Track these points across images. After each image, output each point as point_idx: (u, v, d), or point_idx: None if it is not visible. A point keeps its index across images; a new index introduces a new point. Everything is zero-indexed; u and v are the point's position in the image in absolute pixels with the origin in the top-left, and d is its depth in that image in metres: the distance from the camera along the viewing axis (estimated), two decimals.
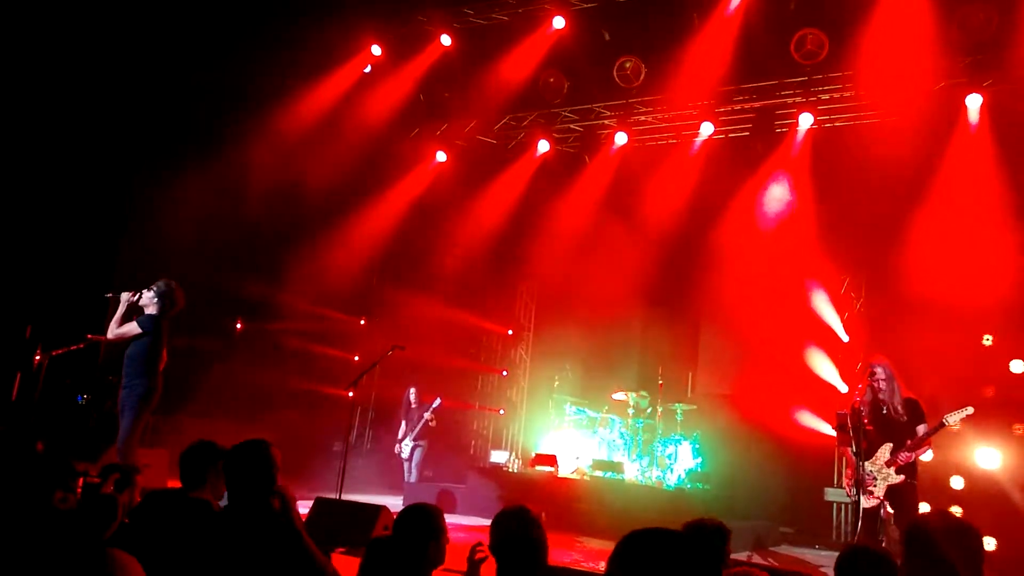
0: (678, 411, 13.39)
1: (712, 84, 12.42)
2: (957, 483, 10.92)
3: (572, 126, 14.57)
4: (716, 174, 13.42)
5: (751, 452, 13.03)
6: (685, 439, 13.18)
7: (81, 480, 4.51)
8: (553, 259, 14.90)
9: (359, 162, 14.36)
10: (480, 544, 4.20)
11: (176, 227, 12.65)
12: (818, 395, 12.46)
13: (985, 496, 10.70)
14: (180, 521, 4.23)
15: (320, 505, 8.53)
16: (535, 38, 13.26)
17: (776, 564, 9.62)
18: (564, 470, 13.09)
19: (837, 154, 12.47)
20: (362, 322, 17.34)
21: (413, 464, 13.57)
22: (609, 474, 12.67)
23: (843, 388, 12.35)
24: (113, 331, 8.74)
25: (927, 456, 7.89)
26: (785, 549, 11.27)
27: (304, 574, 3.82)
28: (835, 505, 12.36)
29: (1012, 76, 11.10)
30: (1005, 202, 10.87)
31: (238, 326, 16.37)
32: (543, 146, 14.83)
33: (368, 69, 14.62)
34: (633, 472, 12.92)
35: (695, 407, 13.57)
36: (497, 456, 15.01)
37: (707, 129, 13.47)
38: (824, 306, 12.97)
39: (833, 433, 11.73)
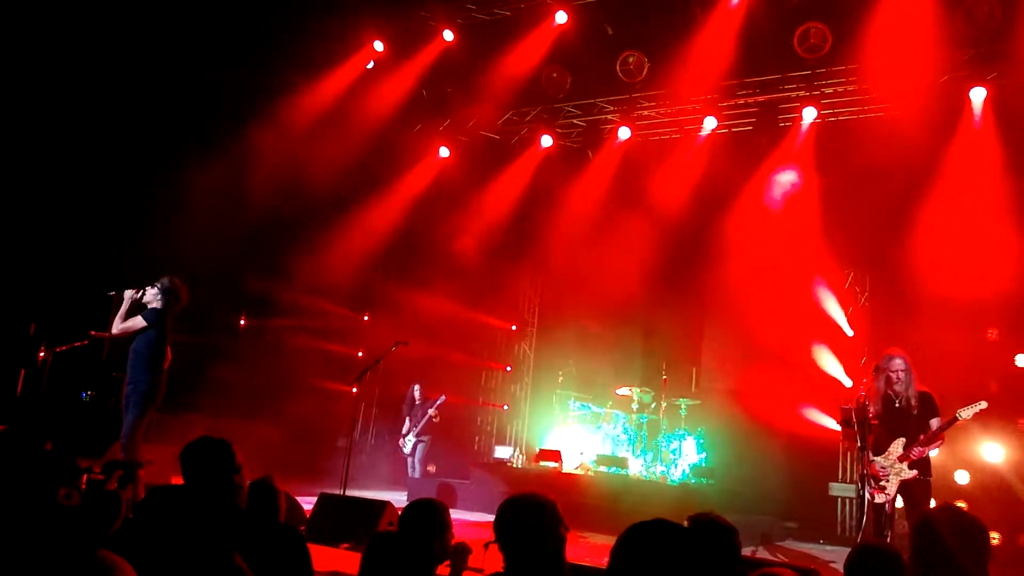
0: (682, 406, 13.39)
1: (715, 78, 12.39)
2: (962, 478, 10.90)
3: (575, 121, 14.55)
4: (720, 168, 13.39)
5: (755, 447, 13.01)
6: (689, 434, 13.18)
7: (85, 477, 4.51)
8: (557, 254, 14.89)
9: (362, 158, 14.35)
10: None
11: (180, 224, 12.64)
12: (822, 390, 12.43)
13: (990, 490, 10.68)
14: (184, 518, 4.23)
15: (324, 501, 8.52)
16: (538, 33, 13.23)
17: (783, 560, 9.61)
18: (568, 466, 13.09)
19: (841, 148, 12.44)
20: (365, 318, 17.34)
21: (416, 460, 13.57)
22: (613, 469, 12.67)
23: (848, 383, 12.32)
24: (118, 326, 8.73)
25: (934, 451, 7.81)
26: (790, 544, 11.25)
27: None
28: (839, 500, 12.33)
29: (1016, 69, 11.05)
30: (1009, 195, 10.83)
31: (242, 322, 16.38)
32: (546, 141, 14.82)
33: (371, 65, 14.60)
34: (637, 467, 12.92)
35: (699, 402, 13.57)
36: (501, 452, 15.01)
37: (710, 124, 13.44)
38: (828, 301, 12.94)
39: (838, 428, 11.79)
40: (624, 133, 14.08)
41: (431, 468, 14.05)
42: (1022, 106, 11.21)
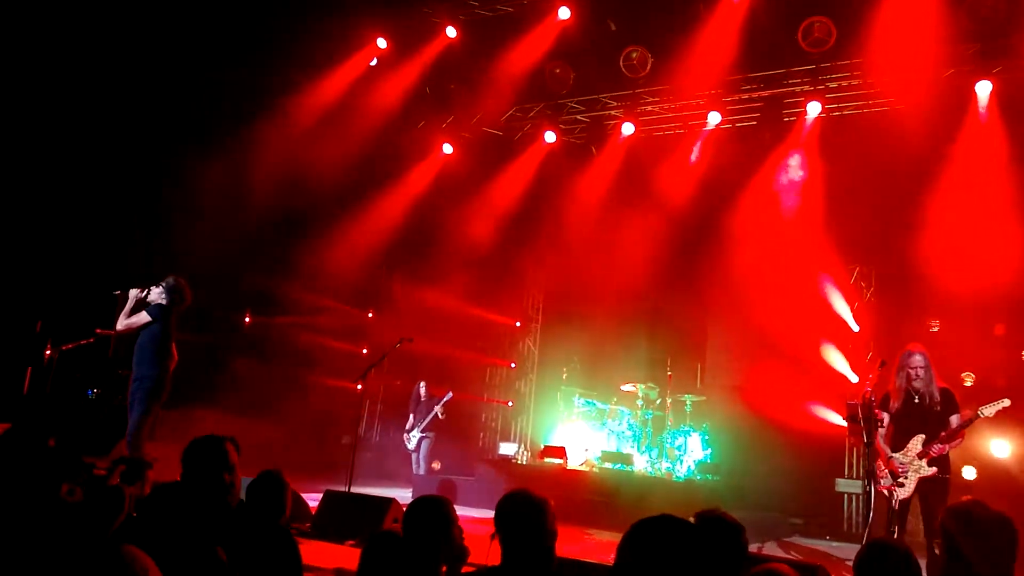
0: (687, 402, 13.39)
1: (719, 73, 12.36)
2: (969, 473, 10.88)
3: (579, 117, 14.54)
4: (725, 164, 13.37)
5: (761, 443, 12.98)
6: (694, 430, 13.17)
7: (89, 472, 4.52)
8: (561, 250, 14.88)
9: (366, 155, 14.34)
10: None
11: (185, 222, 12.65)
12: (828, 386, 12.41)
13: (997, 486, 10.65)
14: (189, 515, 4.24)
15: (329, 498, 8.53)
16: (541, 29, 13.21)
17: (792, 556, 9.59)
18: (573, 462, 13.09)
19: (846, 143, 12.40)
20: (370, 315, 17.35)
21: (421, 456, 13.57)
22: (618, 466, 12.66)
23: (853, 378, 12.30)
24: (122, 322, 8.79)
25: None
26: (796, 540, 11.23)
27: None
28: (846, 496, 12.32)
29: (1021, 63, 11.03)
30: (1015, 189, 10.80)
31: (247, 320, 16.40)
32: (550, 137, 14.80)
33: (374, 62, 14.59)
34: (642, 464, 12.93)
35: (704, 398, 13.57)
36: (506, 448, 15.02)
37: (714, 119, 13.41)
38: (834, 296, 12.91)
39: (844, 424, 11.76)
40: (628, 129, 14.06)
41: (436, 465, 14.06)
42: None
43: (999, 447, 10.87)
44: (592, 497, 11.39)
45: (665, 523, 2.46)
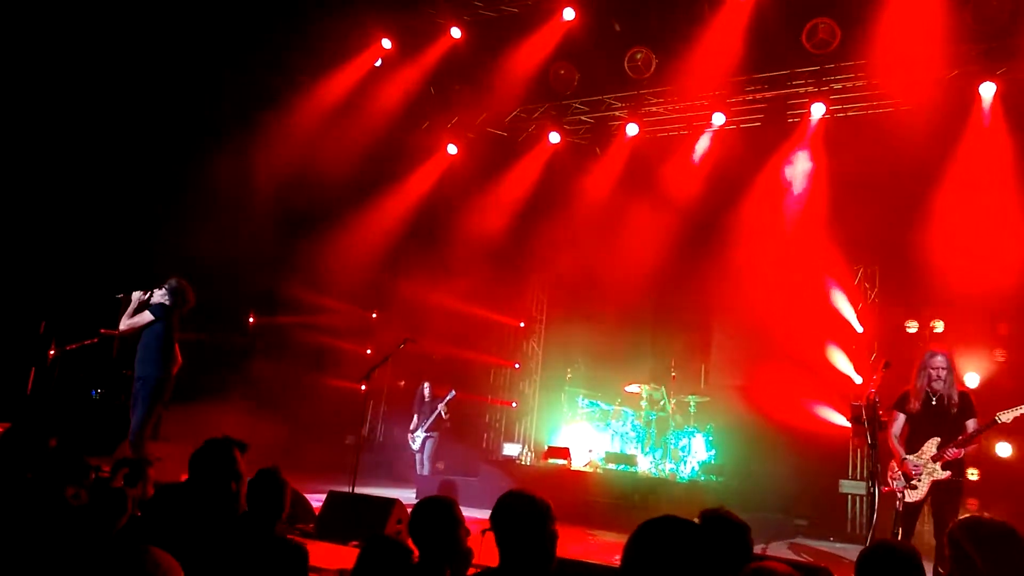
0: (691, 403, 13.38)
1: (723, 74, 12.34)
2: (971, 474, 10.86)
3: (583, 118, 14.53)
4: (729, 165, 13.36)
5: (765, 444, 12.97)
6: (698, 431, 13.17)
7: (93, 475, 4.52)
8: (565, 251, 14.86)
9: (370, 155, 14.36)
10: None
11: (189, 223, 12.66)
12: (832, 386, 12.40)
13: (1000, 487, 10.64)
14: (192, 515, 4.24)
15: (333, 499, 8.53)
16: (545, 30, 13.20)
17: (795, 557, 9.58)
18: (577, 463, 13.10)
19: (850, 144, 12.39)
20: (374, 315, 17.36)
21: (425, 456, 13.58)
22: (622, 467, 12.66)
23: (857, 379, 12.30)
24: (125, 322, 8.82)
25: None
26: (800, 541, 11.22)
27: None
28: (850, 497, 12.32)
29: None
30: (1019, 190, 10.78)
31: (251, 320, 16.41)
32: (554, 138, 14.80)
33: (379, 63, 14.60)
34: (646, 465, 12.92)
35: (708, 399, 13.55)
36: (510, 449, 15.02)
37: (719, 119, 13.40)
38: (838, 297, 12.91)
39: (847, 424, 11.75)
40: (632, 129, 14.05)
41: (439, 465, 14.06)
42: None
43: (1001, 448, 10.86)
44: (596, 498, 11.39)
45: (671, 524, 2.47)
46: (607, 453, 13.10)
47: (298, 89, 14.10)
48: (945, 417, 7.37)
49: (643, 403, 13.48)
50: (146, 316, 8.74)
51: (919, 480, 7.33)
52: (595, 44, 13.15)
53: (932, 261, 11.00)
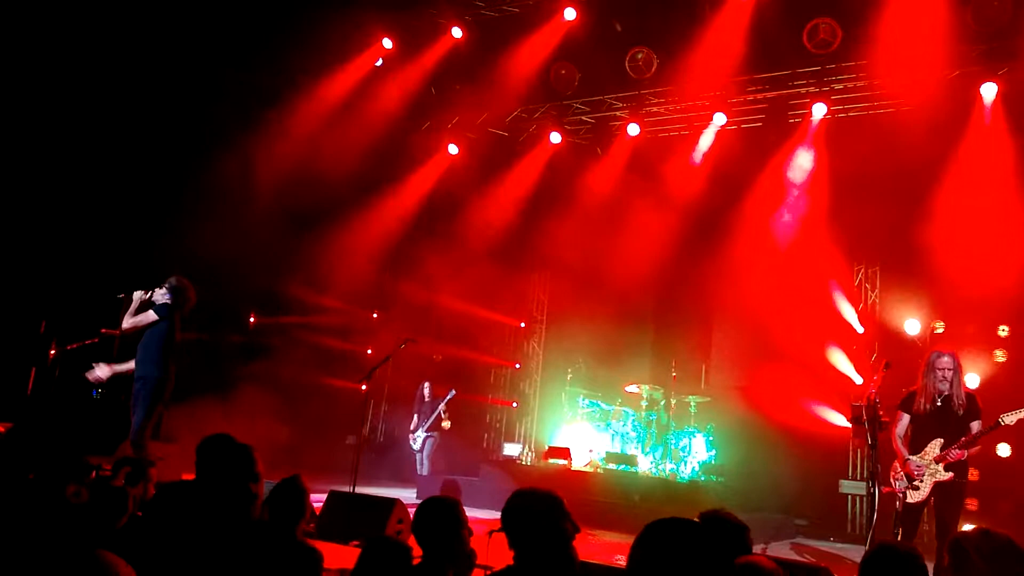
0: (692, 403, 13.38)
1: (724, 74, 12.35)
2: (971, 474, 10.86)
3: (584, 118, 14.54)
4: (730, 165, 13.37)
5: (765, 444, 12.97)
6: (699, 431, 13.16)
7: (94, 474, 4.52)
8: (566, 251, 14.85)
9: (370, 155, 14.35)
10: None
11: (190, 223, 12.66)
12: (832, 387, 12.40)
13: (1000, 487, 10.65)
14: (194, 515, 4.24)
15: (334, 498, 8.53)
16: (546, 30, 13.21)
17: (796, 557, 9.58)
18: (577, 463, 13.10)
19: (851, 144, 12.38)
20: (375, 315, 17.36)
21: (425, 455, 13.58)
22: (623, 467, 12.66)
23: (858, 380, 12.30)
24: (128, 320, 8.81)
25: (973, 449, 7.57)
26: (800, 541, 11.23)
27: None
28: (850, 497, 12.32)
29: None
30: (1020, 191, 10.77)
31: (251, 320, 16.42)
32: (555, 138, 14.80)
33: (380, 62, 14.61)
34: (647, 465, 12.91)
35: (709, 399, 13.55)
36: (510, 449, 15.01)
37: (720, 120, 13.40)
38: (838, 297, 12.91)
39: (848, 425, 11.76)
40: (633, 129, 14.05)
41: (446, 425, 14.03)
42: None
43: (1002, 448, 10.87)
44: (596, 498, 11.38)
45: (679, 525, 2.47)
46: (607, 453, 13.10)
47: (299, 89, 14.10)
48: (950, 418, 7.34)
49: (643, 403, 13.48)
50: (150, 316, 8.73)
51: (921, 481, 7.30)
52: (596, 44, 13.15)
53: (933, 262, 11.00)
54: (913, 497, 7.33)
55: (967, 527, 9.75)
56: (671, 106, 13.72)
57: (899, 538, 7.25)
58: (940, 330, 12.04)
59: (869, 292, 13.17)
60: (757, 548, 7.85)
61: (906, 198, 11.46)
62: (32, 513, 3.43)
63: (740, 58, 12.07)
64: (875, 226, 12.05)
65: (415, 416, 13.89)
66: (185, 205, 13.00)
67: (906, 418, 7.63)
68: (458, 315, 15.49)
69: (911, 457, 7.41)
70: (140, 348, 8.78)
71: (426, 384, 14.01)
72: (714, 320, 14.99)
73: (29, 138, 12.32)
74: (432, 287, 15.44)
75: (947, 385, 7.38)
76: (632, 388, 13.65)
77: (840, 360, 12.61)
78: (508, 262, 15.43)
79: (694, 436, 13.13)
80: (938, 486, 7.26)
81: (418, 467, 13.68)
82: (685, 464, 12.91)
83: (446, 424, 13.63)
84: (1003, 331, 11.53)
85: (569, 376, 14.89)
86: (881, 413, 7.64)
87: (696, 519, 3.79)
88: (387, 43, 14.45)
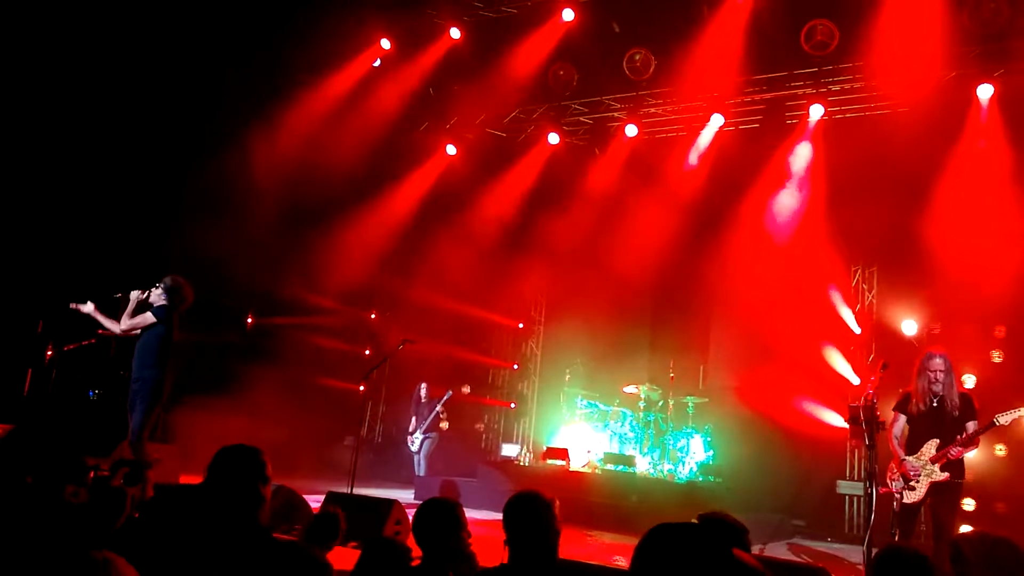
0: (689, 404, 13.39)
1: (722, 76, 12.36)
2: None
3: (582, 119, 14.54)
4: (727, 166, 13.38)
5: (763, 445, 12.97)
6: (697, 432, 13.17)
7: (92, 474, 4.52)
8: (564, 252, 14.86)
9: (368, 156, 14.35)
10: None
11: (187, 223, 12.66)
12: (830, 387, 12.41)
13: (997, 488, 10.66)
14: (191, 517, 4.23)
15: (332, 500, 8.53)
16: (544, 30, 13.22)
17: (793, 558, 9.59)
18: (575, 464, 13.10)
19: (848, 145, 12.40)
20: (373, 316, 17.36)
21: (423, 456, 13.59)
22: (621, 467, 12.67)
23: (855, 380, 12.31)
24: (125, 322, 8.81)
25: (971, 453, 7.59)
26: (798, 542, 11.24)
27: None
28: (847, 498, 12.33)
29: (1023, 66, 11.03)
30: (1017, 192, 10.79)
31: (249, 321, 16.41)
32: (553, 139, 14.80)
33: (378, 63, 14.61)
34: (645, 465, 12.92)
35: (707, 400, 13.56)
36: (508, 450, 15.01)
37: (717, 121, 13.41)
38: (836, 298, 12.92)
39: (845, 426, 11.76)
40: (631, 130, 14.06)
41: (438, 465, 14.06)
42: None
43: (998, 450, 10.88)
44: (594, 499, 11.40)
45: (682, 530, 2.47)
46: (605, 454, 13.11)
47: (298, 89, 14.10)
48: (945, 419, 7.36)
49: (641, 404, 13.49)
50: (148, 318, 8.74)
51: (917, 481, 7.32)
52: (594, 45, 13.17)
53: (930, 262, 11.01)
54: (909, 497, 7.35)
55: (965, 528, 9.79)
56: (669, 107, 13.72)
57: (896, 539, 7.27)
58: (936, 331, 12.04)
59: (866, 293, 13.18)
60: (755, 549, 7.87)
61: (903, 199, 11.46)
62: (31, 513, 3.43)
63: (738, 59, 12.09)
64: (872, 227, 12.05)
65: (413, 417, 13.89)
66: (183, 206, 13.00)
67: (902, 419, 7.65)
68: (456, 316, 15.49)
69: (907, 458, 7.43)
70: (138, 349, 8.77)
71: (423, 385, 14.02)
72: (712, 321, 14.99)
73: (27, 139, 12.30)
74: (430, 288, 15.43)
75: (940, 386, 7.42)
76: (630, 389, 13.66)
77: (837, 361, 12.62)
78: (506, 263, 15.43)
79: (692, 437, 13.13)
80: (934, 486, 7.28)
81: (416, 468, 13.68)
82: (683, 465, 12.91)
83: (444, 425, 13.64)
84: (1000, 331, 11.54)
85: (567, 377, 14.89)
86: (878, 414, 7.65)
87: (694, 520, 3.80)
88: (385, 44, 14.46)
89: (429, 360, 15.03)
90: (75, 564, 2.10)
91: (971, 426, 7.29)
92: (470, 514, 4.44)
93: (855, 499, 12.20)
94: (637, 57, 12.81)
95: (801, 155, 12.94)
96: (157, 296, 8.87)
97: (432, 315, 15.21)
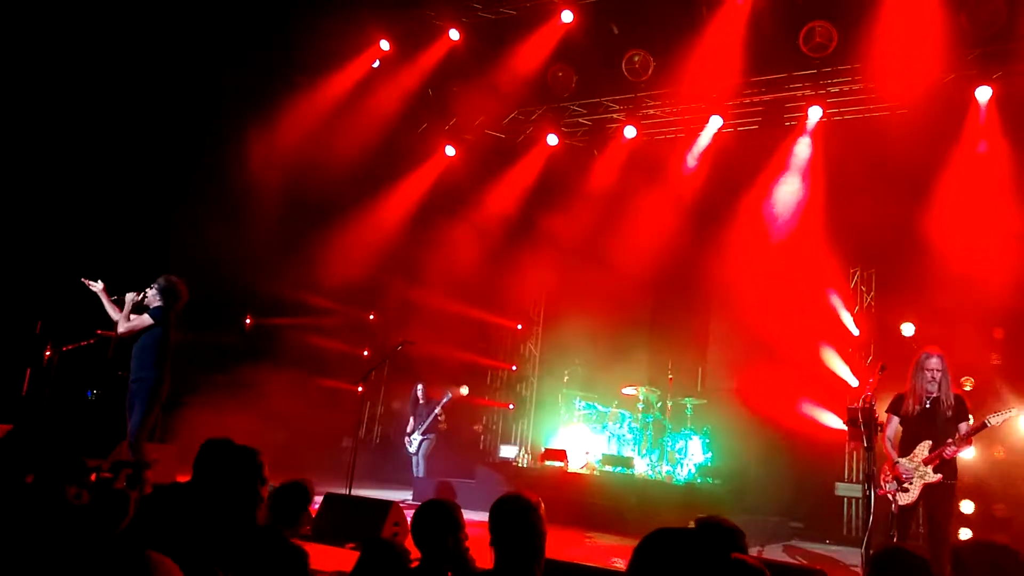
0: (688, 406, 13.39)
1: (721, 77, 12.37)
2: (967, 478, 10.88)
3: (581, 120, 14.55)
4: (726, 168, 13.39)
5: (761, 447, 12.98)
6: (695, 434, 13.17)
7: (93, 476, 4.52)
8: (563, 253, 14.87)
9: (368, 157, 14.36)
10: None
11: (186, 224, 12.66)
12: (828, 389, 12.41)
13: (995, 490, 10.66)
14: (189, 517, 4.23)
15: (330, 501, 8.53)
16: (543, 32, 13.22)
17: (792, 560, 9.60)
18: (574, 465, 13.09)
19: (846, 147, 12.42)
20: (371, 317, 17.35)
21: (421, 458, 13.58)
22: (619, 469, 12.66)
23: (854, 382, 12.32)
24: (124, 325, 8.82)
25: (969, 454, 7.58)
26: (796, 543, 11.24)
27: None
28: (846, 500, 12.33)
29: (1021, 68, 11.05)
30: (1015, 194, 10.81)
31: (247, 321, 16.40)
32: (552, 140, 14.81)
33: (377, 64, 14.61)
34: (643, 467, 12.92)
35: (705, 401, 13.56)
36: (506, 451, 15.01)
37: (716, 122, 13.43)
38: (834, 300, 12.93)
39: (844, 427, 11.77)
40: (630, 132, 14.07)
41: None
42: None
43: (996, 451, 10.89)
44: (593, 500, 11.39)
45: (678, 536, 2.48)
46: (604, 455, 13.10)
47: (296, 91, 14.10)
48: (938, 420, 7.39)
49: (640, 405, 13.48)
50: (146, 319, 8.76)
51: (911, 483, 7.33)
52: (593, 46, 13.18)
53: (929, 264, 11.02)
54: (903, 500, 7.37)
55: (964, 531, 9.80)
56: (667, 109, 13.73)
57: (895, 540, 7.28)
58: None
59: (865, 295, 13.19)
60: (753, 551, 7.86)
61: (902, 201, 11.46)
62: (32, 514, 3.43)
63: (736, 61, 12.09)
64: (871, 229, 12.07)
65: (411, 419, 13.88)
66: (181, 207, 12.98)
67: (895, 420, 7.67)
68: (455, 317, 15.48)
69: (900, 460, 7.45)
70: (136, 350, 8.78)
71: (419, 386, 14.01)
72: (711, 322, 15.01)
73: (26, 139, 12.30)
74: (429, 289, 15.43)
75: (935, 386, 7.43)
76: (629, 390, 13.66)
77: (836, 363, 12.63)
78: (505, 264, 15.44)
79: (690, 438, 13.13)
80: (927, 488, 7.29)
81: (414, 469, 13.67)
82: (681, 466, 12.90)
83: (443, 425, 13.63)
84: (999, 335, 11.55)
85: (566, 378, 14.89)
86: (887, 414, 7.66)
87: (692, 524, 3.81)
88: (384, 45, 14.45)
89: (428, 361, 15.03)
90: (133, 563, 2.12)
91: (963, 427, 7.31)
92: (468, 515, 4.44)
93: (853, 501, 12.20)
94: (636, 59, 12.81)
95: (800, 157, 12.95)
96: (152, 297, 8.90)
97: (431, 316, 15.21)
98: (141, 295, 8.93)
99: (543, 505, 4.06)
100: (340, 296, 16.02)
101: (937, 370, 7.45)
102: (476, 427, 16.80)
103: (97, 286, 8.99)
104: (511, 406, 16.63)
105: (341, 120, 14.23)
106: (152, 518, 4.06)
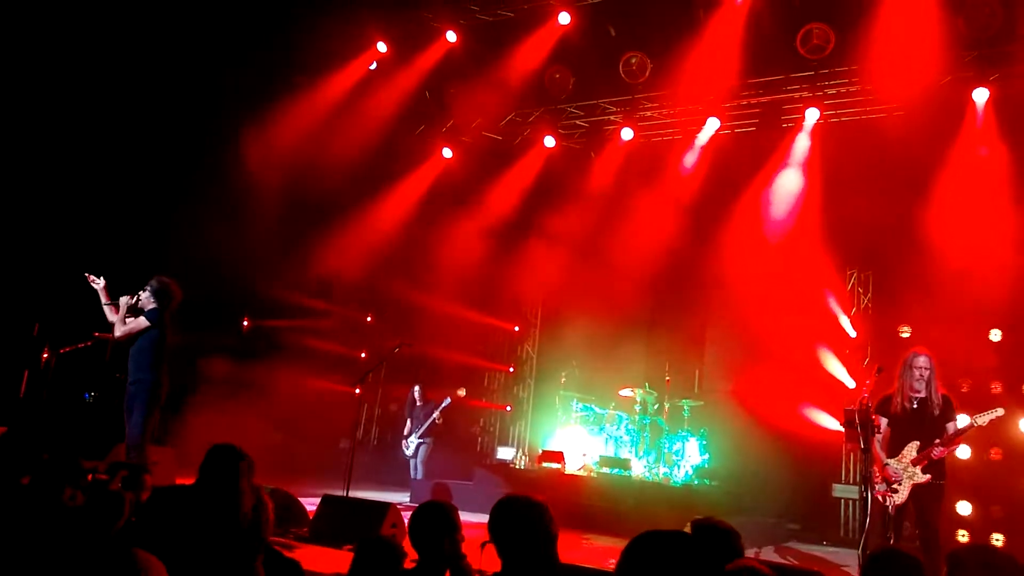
0: (685, 407, 13.38)
1: (718, 79, 12.37)
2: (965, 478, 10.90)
3: (578, 122, 14.55)
4: (723, 169, 13.40)
5: (758, 448, 12.97)
6: (692, 435, 13.17)
7: (90, 477, 4.52)
8: (560, 255, 14.86)
9: (365, 159, 14.35)
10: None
11: (184, 225, 12.65)
12: (825, 391, 12.41)
13: (993, 491, 10.68)
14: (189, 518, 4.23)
15: (327, 502, 8.53)
16: (541, 34, 13.22)
17: (788, 561, 9.60)
18: (571, 467, 13.09)
19: (844, 149, 12.43)
20: (369, 319, 17.34)
21: (419, 461, 13.57)
22: (616, 471, 12.66)
23: (850, 384, 12.31)
24: (120, 328, 8.82)
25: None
26: (793, 545, 11.24)
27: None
28: (842, 501, 12.33)
29: (1018, 71, 11.07)
30: (1012, 196, 10.82)
31: (244, 323, 16.40)
32: (549, 142, 14.81)
33: (374, 66, 14.61)
34: (640, 469, 12.92)
35: (702, 403, 13.56)
36: (504, 453, 15.00)
37: (713, 124, 13.43)
38: (831, 302, 12.93)
39: (841, 429, 11.77)
40: (627, 134, 14.07)
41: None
42: None
43: (993, 452, 10.91)
44: (590, 502, 11.38)
45: (668, 538, 2.48)
46: (601, 457, 13.11)
47: (295, 91, 14.09)
48: (926, 420, 7.42)
49: (637, 407, 13.47)
50: (142, 322, 8.78)
51: (899, 484, 7.35)
52: (590, 48, 13.19)
53: (925, 266, 11.03)
54: (892, 500, 7.38)
55: (962, 534, 9.81)
56: (665, 111, 13.74)
57: (892, 541, 7.30)
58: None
59: (862, 296, 13.19)
60: (749, 552, 7.86)
61: (899, 203, 11.48)
62: (28, 515, 3.43)
63: (734, 63, 12.09)
64: (868, 231, 12.08)
65: (408, 421, 13.87)
66: (179, 209, 12.98)
67: (883, 421, 7.68)
68: (452, 319, 15.47)
69: (889, 461, 7.47)
70: (133, 353, 8.79)
71: (416, 388, 14.01)
72: (708, 324, 15.00)
73: (25, 140, 12.29)
74: (426, 291, 15.42)
75: (923, 385, 7.45)
76: (626, 392, 13.65)
77: (833, 364, 12.63)
78: (502, 266, 15.43)
79: (687, 440, 13.13)
80: (916, 489, 7.32)
81: (412, 471, 13.67)
82: (678, 468, 12.91)
83: (438, 421, 13.63)
84: (995, 335, 11.57)
85: (563, 380, 14.87)
86: (874, 417, 7.67)
87: (688, 526, 3.81)
88: (381, 47, 14.46)
89: (425, 363, 15.02)
90: (120, 561, 2.12)
91: (950, 427, 7.34)
92: (466, 517, 4.44)
93: (850, 502, 12.20)
94: (633, 60, 12.83)
95: (797, 158, 12.96)
96: (146, 300, 8.91)
97: (428, 318, 15.20)
98: (135, 298, 8.93)
99: (548, 505, 3.95)
100: (338, 298, 16.02)
101: (925, 368, 7.47)
102: (474, 429, 16.80)
103: (99, 283, 9.00)
104: (508, 408, 16.61)
105: (340, 121, 14.23)
106: (151, 520, 4.07)
